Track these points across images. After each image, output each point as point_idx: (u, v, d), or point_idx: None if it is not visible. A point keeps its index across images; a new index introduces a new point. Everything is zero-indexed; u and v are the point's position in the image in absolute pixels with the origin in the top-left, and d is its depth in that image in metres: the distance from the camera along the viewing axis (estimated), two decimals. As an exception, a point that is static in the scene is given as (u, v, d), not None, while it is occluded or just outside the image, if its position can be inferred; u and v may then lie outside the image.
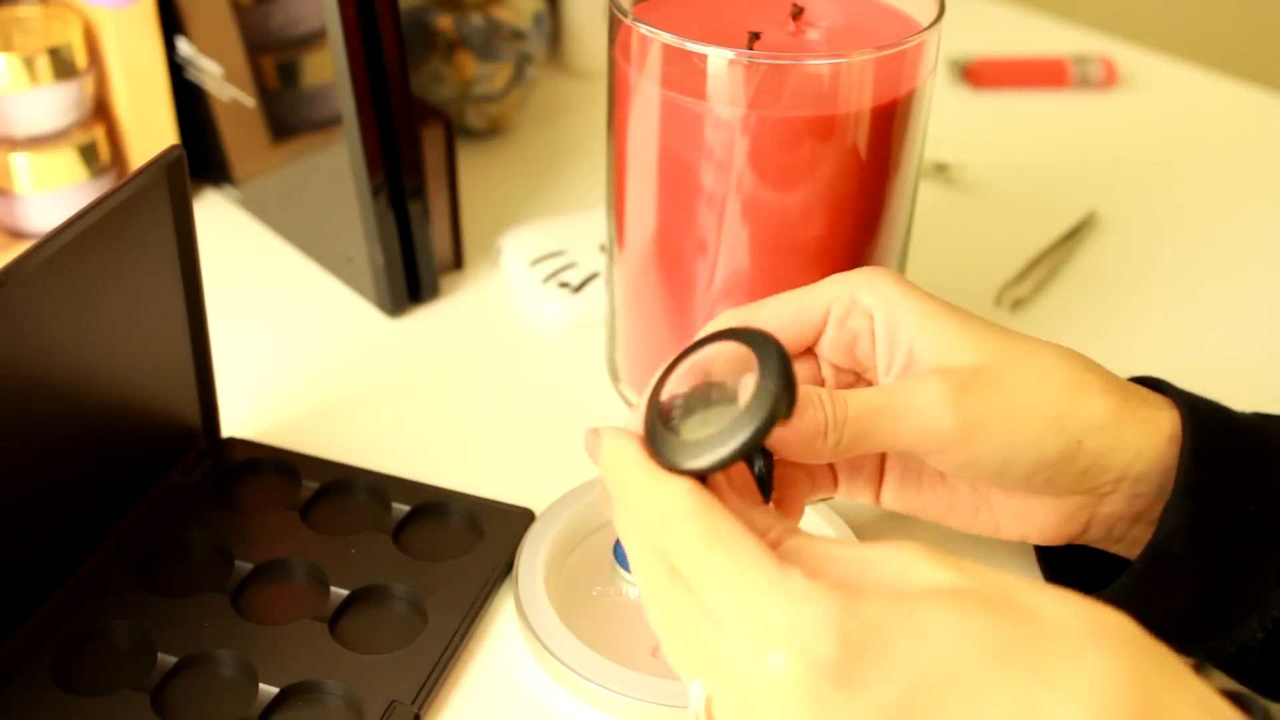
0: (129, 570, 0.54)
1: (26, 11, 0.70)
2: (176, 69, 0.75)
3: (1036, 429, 0.45)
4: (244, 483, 0.59)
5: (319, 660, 0.50)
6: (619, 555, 0.54)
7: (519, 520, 0.56)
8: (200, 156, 0.79)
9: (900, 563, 0.36)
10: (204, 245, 0.56)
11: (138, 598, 0.53)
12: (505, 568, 0.54)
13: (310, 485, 0.58)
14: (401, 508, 0.57)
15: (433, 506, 0.58)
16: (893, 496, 0.50)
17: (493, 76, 0.82)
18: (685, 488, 0.38)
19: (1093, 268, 0.76)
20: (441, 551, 0.55)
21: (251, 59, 0.71)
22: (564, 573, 0.55)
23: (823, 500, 0.53)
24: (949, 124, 0.83)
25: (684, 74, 0.52)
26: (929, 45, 0.54)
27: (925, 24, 0.54)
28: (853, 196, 0.54)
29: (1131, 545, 0.49)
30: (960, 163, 0.83)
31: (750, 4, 0.57)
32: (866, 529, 0.55)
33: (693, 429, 0.40)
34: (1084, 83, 0.94)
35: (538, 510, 0.57)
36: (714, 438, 0.39)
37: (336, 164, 0.67)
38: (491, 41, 0.81)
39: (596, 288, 0.70)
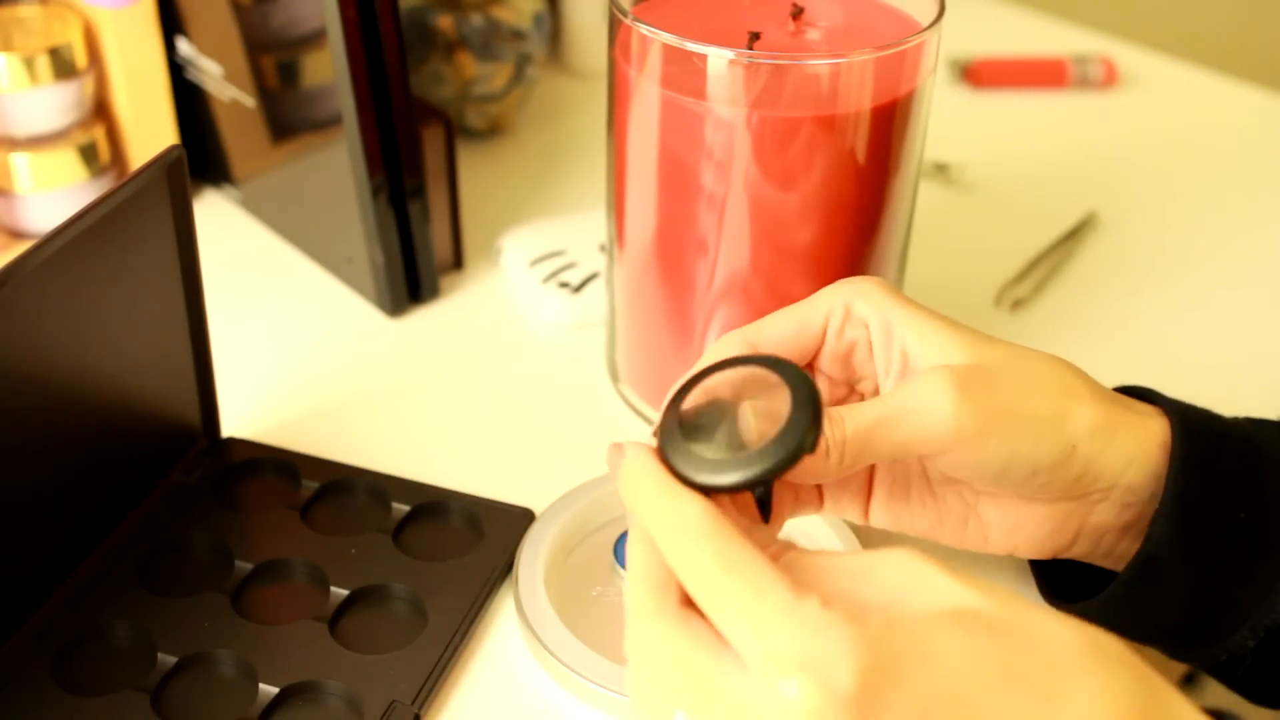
0: (129, 570, 0.54)
1: (26, 11, 0.70)
2: (176, 69, 0.75)
3: (1034, 430, 0.45)
4: (244, 483, 0.59)
5: (319, 660, 0.50)
6: (619, 555, 0.54)
7: (519, 520, 0.56)
8: (200, 156, 0.79)
9: (901, 574, 0.36)
10: (204, 245, 0.56)
11: (138, 598, 0.53)
12: (505, 568, 0.54)
13: (310, 485, 0.58)
14: (401, 508, 0.57)
15: (433, 506, 0.58)
16: (881, 512, 0.50)
17: (493, 76, 0.82)
18: (701, 507, 0.38)
19: (1093, 268, 0.76)
20: (441, 551, 0.55)
21: (251, 59, 0.71)
22: (564, 573, 0.55)
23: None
24: (949, 124, 0.83)
25: (684, 74, 0.52)
26: (929, 45, 0.54)
27: (925, 24, 0.54)
28: (853, 196, 0.54)
29: (1119, 560, 0.49)
30: (960, 163, 0.83)
31: (750, 4, 0.57)
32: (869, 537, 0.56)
33: (716, 448, 0.40)
34: (1084, 83, 0.94)
35: (538, 510, 0.57)
36: (740, 460, 0.39)
37: (336, 164, 0.67)
38: (491, 41, 0.81)
39: (596, 288, 0.70)
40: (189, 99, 0.76)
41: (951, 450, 0.44)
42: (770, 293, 0.56)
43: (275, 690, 0.49)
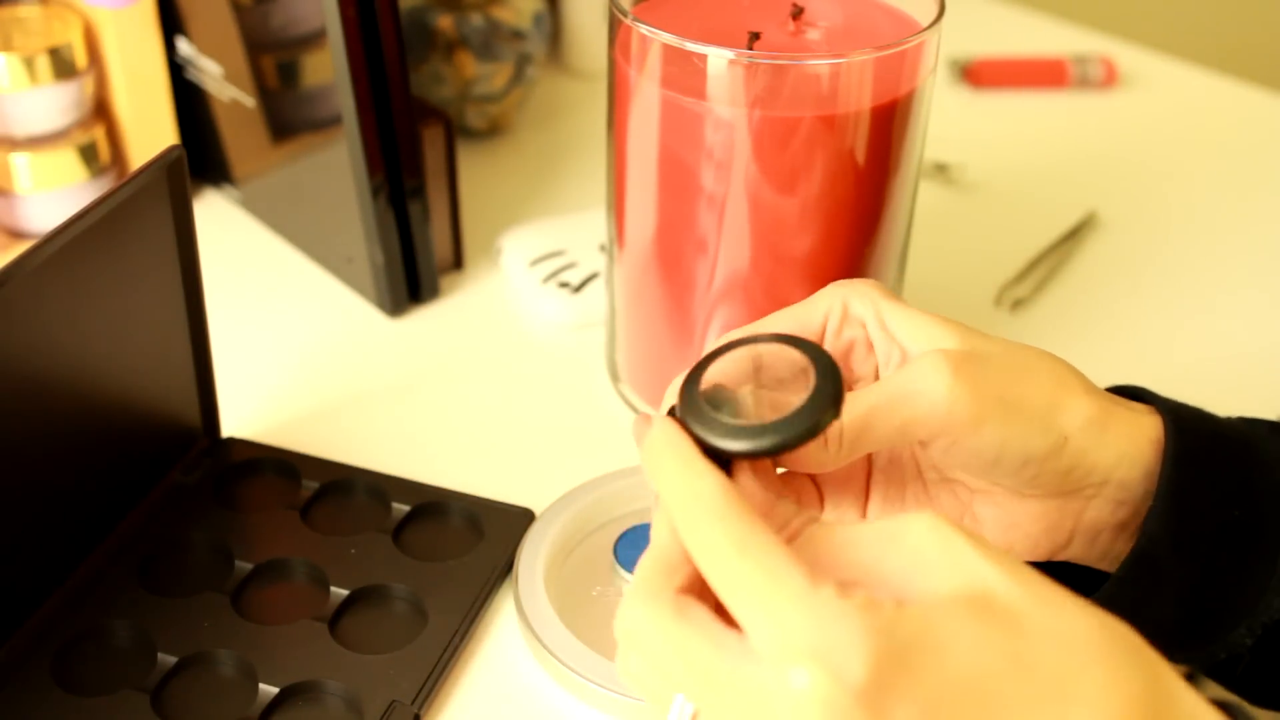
0: (129, 570, 0.54)
1: (26, 11, 0.70)
2: (176, 69, 0.75)
3: (1027, 417, 0.45)
4: (244, 483, 0.59)
5: (319, 660, 0.50)
6: (619, 555, 0.54)
7: (519, 520, 0.56)
8: (200, 156, 0.79)
9: (924, 542, 0.36)
10: (204, 245, 0.56)
11: (138, 598, 0.53)
12: (505, 568, 0.54)
13: (310, 485, 0.58)
14: (401, 508, 0.57)
15: (433, 506, 0.58)
16: (878, 515, 0.50)
17: (493, 76, 0.82)
18: (719, 485, 0.37)
19: (1092, 268, 0.76)
20: (441, 551, 0.55)
21: (251, 59, 0.71)
22: (564, 573, 0.55)
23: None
24: (949, 124, 0.83)
25: (684, 74, 0.52)
26: (929, 45, 0.54)
27: (925, 24, 0.54)
28: (853, 197, 0.54)
29: (1114, 562, 0.49)
30: (960, 163, 0.83)
31: (750, 4, 0.57)
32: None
33: (741, 414, 0.41)
34: (1084, 83, 0.94)
35: (538, 510, 0.57)
36: (766, 426, 0.40)
37: (336, 164, 0.67)
38: (491, 41, 0.81)
39: (596, 288, 0.70)
40: (189, 99, 0.76)
41: (947, 434, 0.44)
42: (770, 292, 0.56)
43: (275, 690, 0.49)
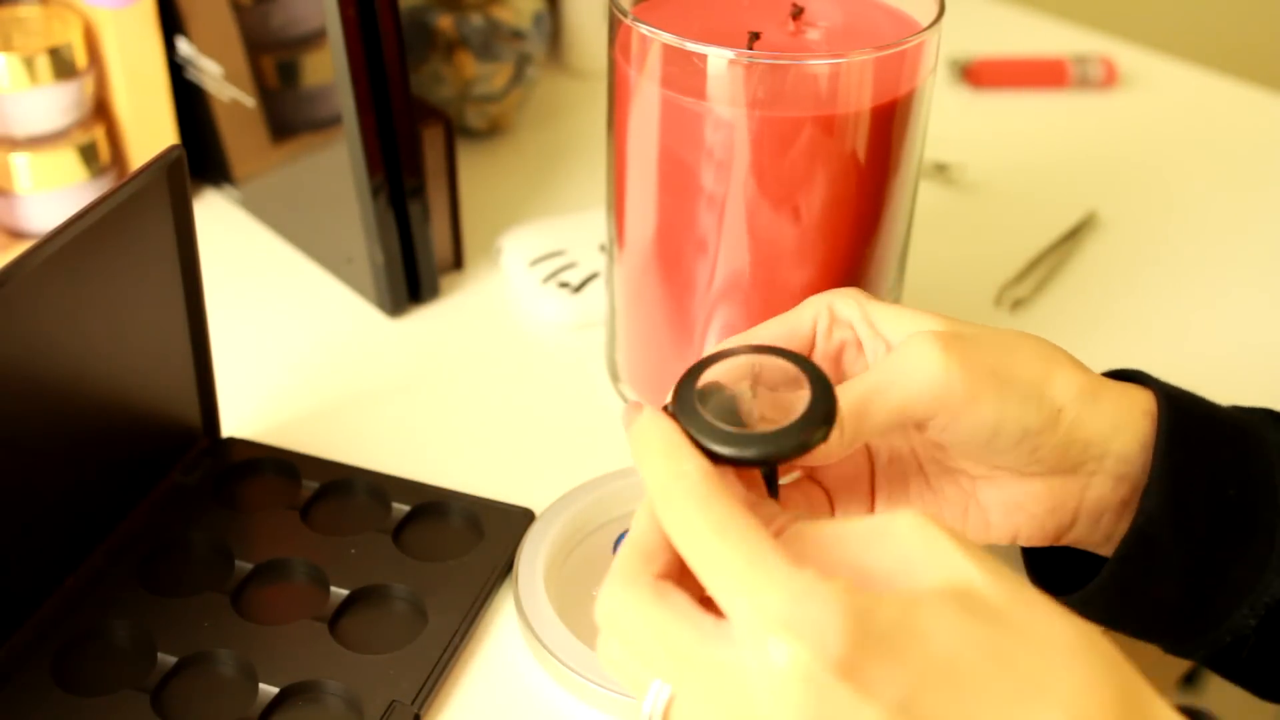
0: (129, 570, 0.54)
1: (26, 11, 0.70)
2: (176, 69, 0.75)
3: (1020, 390, 0.45)
4: (244, 483, 0.59)
5: (319, 660, 0.50)
6: (619, 555, 0.54)
7: (519, 520, 0.56)
8: (200, 156, 0.79)
9: (909, 540, 0.36)
10: (204, 245, 0.56)
11: (138, 598, 0.53)
12: (505, 568, 0.54)
13: (310, 485, 0.58)
14: (401, 508, 0.57)
15: (433, 506, 0.58)
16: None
17: (493, 76, 0.82)
18: (702, 469, 0.38)
19: (1092, 268, 0.76)
20: (441, 551, 0.55)
21: (251, 59, 0.71)
22: (564, 573, 0.55)
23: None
24: (949, 124, 0.83)
25: (684, 74, 0.52)
26: (929, 45, 0.54)
27: (925, 24, 0.54)
28: (853, 196, 0.54)
29: (1117, 545, 0.49)
30: (960, 163, 0.83)
31: (750, 4, 0.57)
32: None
33: (739, 412, 0.42)
34: (1084, 83, 0.94)
35: (538, 510, 0.57)
36: (757, 436, 0.40)
37: (336, 164, 0.67)
38: (491, 41, 0.81)
39: (596, 288, 0.70)
40: (189, 99, 0.76)
41: (944, 410, 0.45)
42: (770, 293, 0.56)
43: (275, 690, 0.49)
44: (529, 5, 0.83)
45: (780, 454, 0.40)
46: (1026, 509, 0.48)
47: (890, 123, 0.54)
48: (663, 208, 0.56)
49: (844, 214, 0.55)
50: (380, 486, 0.58)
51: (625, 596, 0.38)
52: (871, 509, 0.50)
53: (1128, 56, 0.98)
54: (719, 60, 0.51)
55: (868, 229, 0.56)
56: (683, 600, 0.37)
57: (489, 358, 0.68)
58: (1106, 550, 0.49)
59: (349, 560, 0.55)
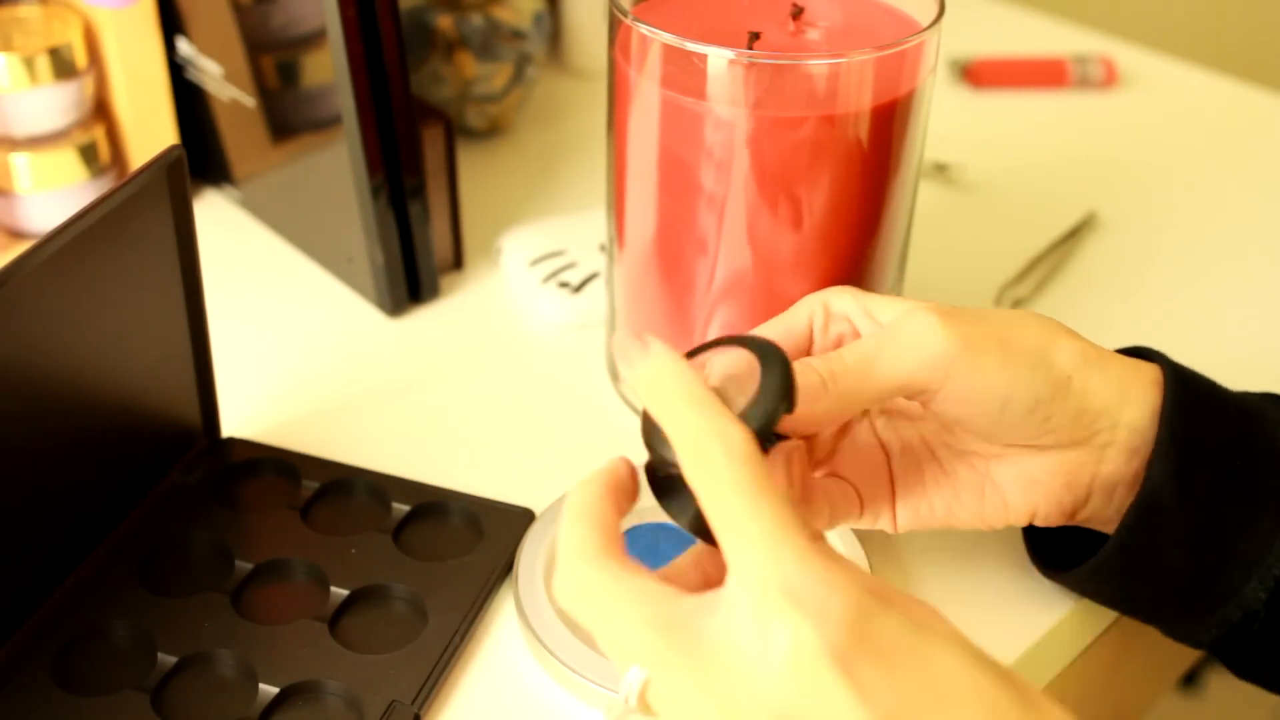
0: (129, 570, 0.54)
1: (26, 11, 0.70)
2: (176, 69, 0.75)
3: (1028, 360, 0.46)
4: (244, 483, 0.59)
5: (319, 660, 0.50)
6: (619, 555, 0.54)
7: (519, 520, 0.56)
8: (200, 156, 0.79)
9: (921, 609, 0.36)
10: (204, 245, 0.56)
11: (138, 598, 0.53)
12: (505, 568, 0.55)
13: (310, 485, 0.58)
14: (401, 508, 0.57)
15: (433, 506, 0.58)
16: (904, 509, 0.50)
17: (493, 76, 0.82)
18: (744, 432, 0.37)
19: (1093, 268, 0.76)
20: (441, 551, 0.55)
21: (251, 59, 0.71)
22: (564, 573, 0.55)
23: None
24: (949, 124, 0.83)
25: (684, 74, 0.52)
26: (929, 45, 0.54)
27: (925, 24, 0.54)
28: (853, 196, 0.54)
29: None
30: (960, 163, 0.83)
31: (750, 4, 0.57)
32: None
33: None
34: (1084, 83, 0.94)
35: (538, 510, 0.57)
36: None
37: (336, 164, 0.67)
38: (491, 41, 0.81)
39: (596, 288, 0.70)
40: (189, 99, 0.76)
41: (951, 376, 0.45)
42: (770, 293, 0.56)
43: (275, 690, 0.49)
44: (529, 5, 0.83)
45: (759, 427, 0.40)
46: (1042, 484, 0.48)
47: (890, 123, 0.54)
48: (663, 208, 0.56)
49: (844, 214, 0.55)
50: (380, 486, 0.58)
51: (589, 573, 0.38)
52: (892, 500, 0.50)
53: (1128, 56, 0.98)
54: (719, 60, 0.51)
55: (868, 229, 0.56)
56: (649, 576, 0.37)
57: (489, 358, 0.68)
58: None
59: (349, 560, 0.55)
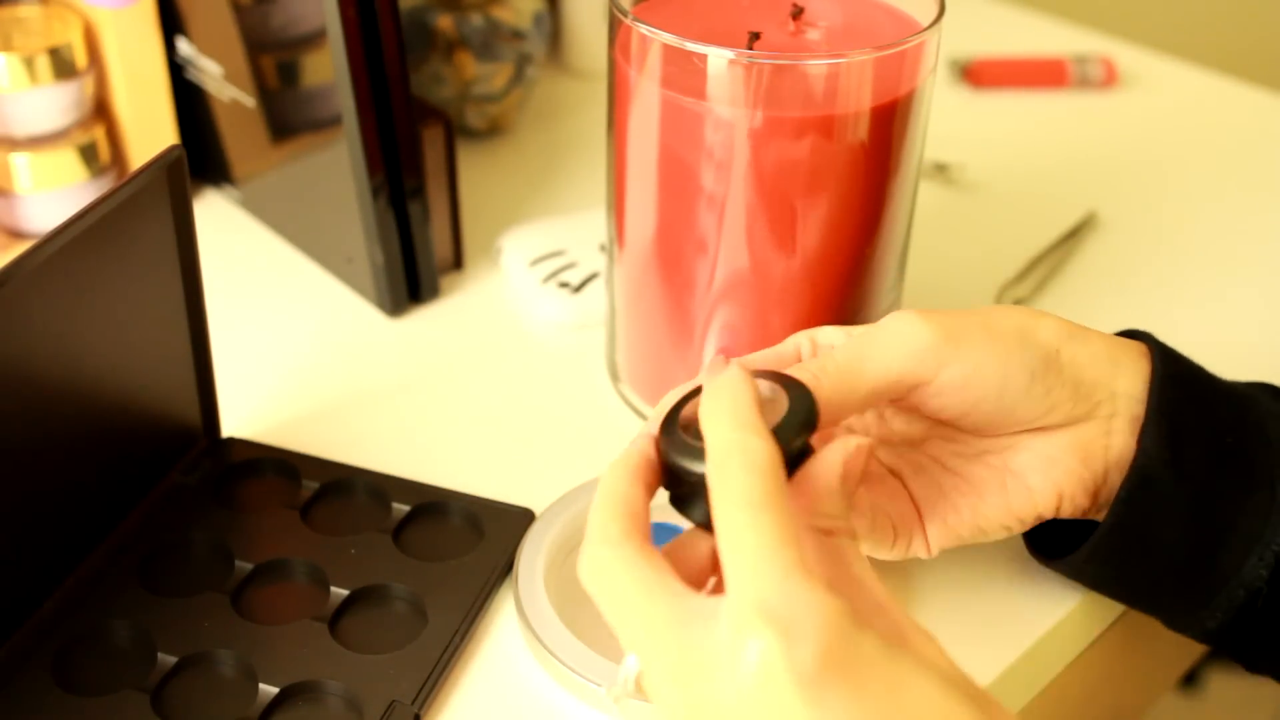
0: (129, 570, 0.54)
1: (26, 11, 0.70)
2: (176, 69, 0.75)
3: (1014, 337, 0.47)
4: (244, 483, 0.59)
5: (319, 660, 0.50)
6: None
7: (519, 520, 0.56)
8: (200, 156, 0.79)
9: (914, 631, 0.37)
10: (204, 245, 0.56)
11: (138, 598, 0.53)
12: (505, 568, 0.55)
13: (310, 485, 0.58)
14: (401, 508, 0.57)
15: (433, 506, 0.58)
16: (933, 527, 0.50)
17: (493, 76, 0.82)
18: (771, 448, 0.38)
19: (1093, 268, 0.76)
20: (441, 551, 0.55)
21: (251, 59, 0.71)
22: (564, 573, 0.55)
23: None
24: (949, 124, 0.83)
25: (684, 74, 0.52)
26: (929, 45, 0.54)
27: (925, 24, 0.54)
28: (853, 196, 0.54)
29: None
30: (960, 163, 0.83)
31: (750, 4, 0.57)
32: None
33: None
34: (1084, 83, 0.94)
35: (538, 510, 0.57)
36: None
37: (336, 164, 0.67)
38: (491, 41, 0.81)
39: (596, 288, 0.70)
40: (189, 99, 0.76)
41: (943, 367, 0.46)
42: (770, 293, 0.56)
43: (275, 690, 0.49)
44: (529, 5, 0.83)
45: (790, 442, 0.41)
46: (1060, 462, 0.48)
47: (890, 123, 0.54)
48: (663, 208, 0.56)
49: (844, 214, 0.55)
50: (380, 486, 0.58)
51: (607, 557, 0.39)
52: (921, 522, 0.50)
53: (1128, 56, 0.98)
54: (719, 60, 0.51)
55: (868, 229, 0.56)
56: (665, 569, 0.38)
57: (489, 358, 0.68)
58: None
59: (349, 560, 0.55)
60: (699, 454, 0.40)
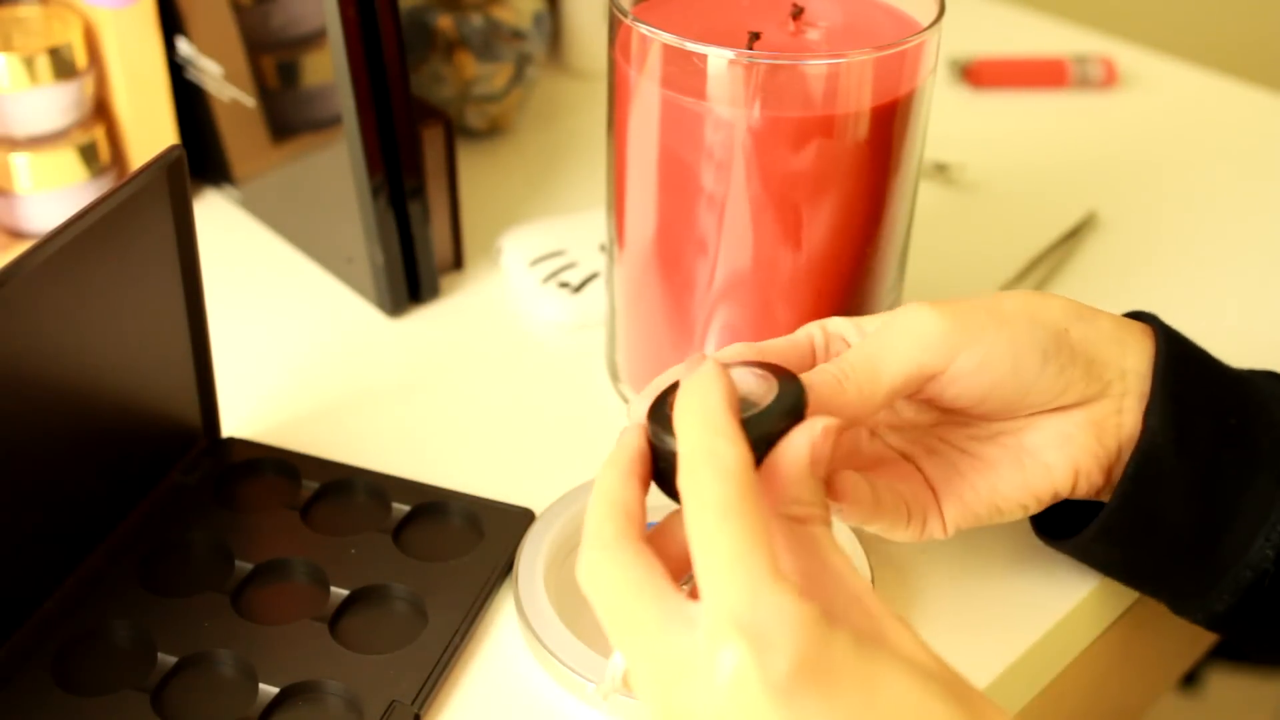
0: (129, 570, 0.54)
1: (26, 11, 0.70)
2: (176, 69, 0.75)
3: (1022, 318, 0.47)
4: (244, 483, 0.59)
5: (319, 660, 0.50)
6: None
7: (519, 520, 0.56)
8: (200, 156, 0.79)
9: (890, 622, 0.37)
10: (204, 245, 0.56)
11: (138, 598, 0.53)
12: (505, 568, 0.55)
13: (310, 485, 0.58)
14: (401, 508, 0.57)
15: (433, 506, 0.58)
16: (951, 505, 0.49)
17: (493, 76, 0.82)
18: (736, 451, 0.38)
19: (1092, 268, 0.76)
20: (441, 551, 0.55)
21: (251, 59, 0.71)
22: (564, 573, 0.55)
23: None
24: (949, 124, 0.83)
25: (684, 74, 0.52)
26: (929, 45, 0.54)
27: (925, 24, 0.54)
28: (854, 196, 0.54)
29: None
30: (960, 163, 0.83)
31: (750, 4, 0.57)
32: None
33: None
34: (1084, 83, 0.94)
35: (538, 510, 0.57)
36: (746, 419, 0.41)
37: (336, 164, 0.67)
38: (491, 41, 0.81)
39: (596, 288, 0.70)
40: (189, 99, 0.76)
41: (956, 352, 0.46)
42: (771, 293, 0.56)
43: (275, 690, 0.49)
44: (529, 5, 0.83)
45: (771, 431, 0.41)
46: (1076, 438, 0.48)
47: (890, 123, 0.54)
48: (663, 208, 0.56)
49: (845, 214, 0.55)
50: (380, 486, 0.58)
51: (601, 559, 0.39)
52: (936, 501, 0.50)
53: (1128, 56, 0.98)
54: (719, 60, 0.51)
55: (868, 229, 0.56)
56: (656, 569, 0.38)
57: (489, 358, 0.68)
58: None
59: (349, 560, 0.55)
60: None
